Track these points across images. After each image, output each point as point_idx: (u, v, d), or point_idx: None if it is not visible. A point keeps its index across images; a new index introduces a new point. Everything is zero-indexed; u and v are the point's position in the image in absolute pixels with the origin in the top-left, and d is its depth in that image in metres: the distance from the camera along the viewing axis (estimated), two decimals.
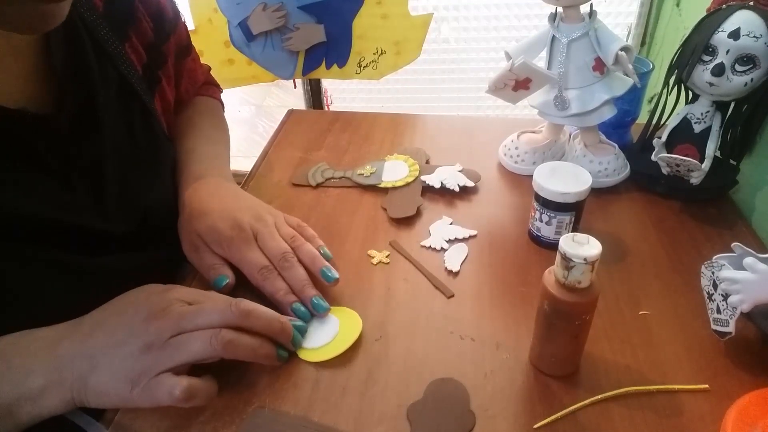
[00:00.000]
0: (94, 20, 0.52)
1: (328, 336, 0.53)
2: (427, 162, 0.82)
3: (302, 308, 0.53)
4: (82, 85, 0.51)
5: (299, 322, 0.52)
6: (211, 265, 0.55)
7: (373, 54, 0.89)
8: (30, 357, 0.42)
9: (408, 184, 0.75)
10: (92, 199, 0.52)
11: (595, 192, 0.70)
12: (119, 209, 0.54)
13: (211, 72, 0.81)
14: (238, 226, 0.56)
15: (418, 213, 0.71)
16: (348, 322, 0.54)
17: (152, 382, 0.41)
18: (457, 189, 0.74)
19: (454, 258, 0.63)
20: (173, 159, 0.65)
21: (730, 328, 0.49)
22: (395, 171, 0.78)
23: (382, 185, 0.75)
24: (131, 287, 0.48)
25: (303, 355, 0.52)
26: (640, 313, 0.57)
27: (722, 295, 0.51)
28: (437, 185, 0.74)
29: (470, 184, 0.75)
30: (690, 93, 0.72)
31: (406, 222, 0.70)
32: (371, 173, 0.77)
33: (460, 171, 0.77)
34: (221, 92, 0.81)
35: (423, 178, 0.76)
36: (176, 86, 0.68)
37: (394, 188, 0.75)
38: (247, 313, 0.46)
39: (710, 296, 0.53)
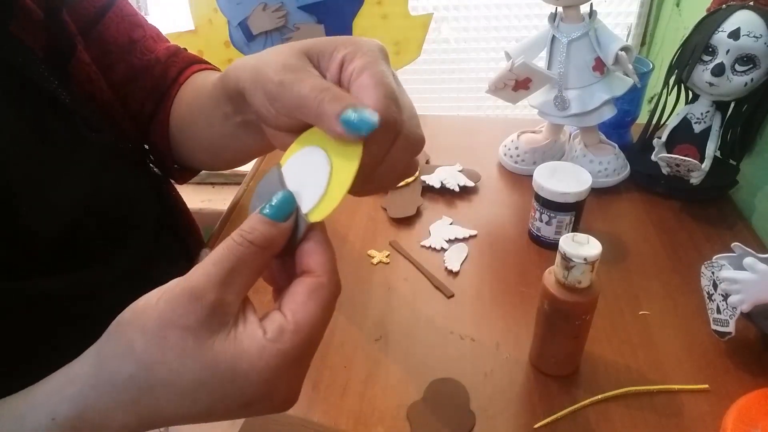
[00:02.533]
0: None
1: (321, 181, 0.34)
2: (427, 162, 0.82)
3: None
4: None
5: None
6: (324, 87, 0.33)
7: None
8: None
9: (408, 184, 0.75)
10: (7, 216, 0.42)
11: (595, 192, 0.70)
12: (36, 217, 0.44)
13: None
14: None
15: (418, 213, 0.71)
16: (336, 150, 0.33)
17: None
18: (457, 189, 0.74)
19: (454, 258, 0.63)
20: (113, 154, 0.53)
21: (730, 328, 0.49)
22: None
23: None
24: (68, 315, 0.41)
25: (313, 218, 0.33)
26: (640, 313, 0.57)
27: (722, 295, 0.51)
28: (437, 185, 0.74)
29: (470, 184, 0.75)
30: (690, 93, 0.72)
31: (406, 222, 0.70)
32: None
33: (460, 171, 0.77)
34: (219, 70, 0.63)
35: (423, 178, 0.76)
36: (110, 63, 0.55)
37: (394, 188, 0.75)
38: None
39: (710, 296, 0.53)
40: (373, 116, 0.30)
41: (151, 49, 0.58)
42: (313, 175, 0.33)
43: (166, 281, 0.32)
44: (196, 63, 0.61)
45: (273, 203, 0.31)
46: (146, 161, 0.59)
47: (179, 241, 0.64)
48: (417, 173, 0.77)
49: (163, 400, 0.29)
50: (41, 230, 0.43)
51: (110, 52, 0.54)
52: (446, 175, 0.75)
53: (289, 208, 0.32)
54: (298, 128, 0.36)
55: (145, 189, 0.57)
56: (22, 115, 0.44)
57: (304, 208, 0.33)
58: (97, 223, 0.48)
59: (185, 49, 0.62)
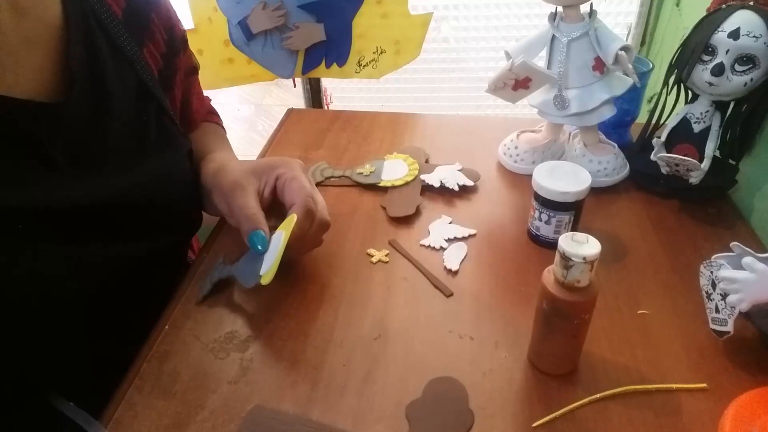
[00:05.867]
0: (113, 26, 0.55)
1: (275, 252, 0.53)
2: (427, 161, 0.82)
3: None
4: (96, 80, 0.53)
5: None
6: (252, 213, 0.56)
7: (373, 53, 0.89)
8: None
9: (407, 183, 0.75)
10: (95, 188, 0.52)
11: (595, 191, 0.71)
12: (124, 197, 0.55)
13: (210, 80, 0.83)
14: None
15: (418, 212, 0.71)
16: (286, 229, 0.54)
17: None
18: (456, 188, 0.74)
19: (454, 257, 0.63)
20: (192, 157, 0.67)
21: (729, 327, 0.49)
22: (395, 170, 0.78)
23: (382, 184, 0.75)
24: (135, 277, 0.53)
25: (264, 281, 0.53)
26: (639, 312, 0.57)
27: (721, 294, 0.51)
28: (437, 184, 0.74)
29: (470, 183, 0.75)
30: (689, 93, 0.72)
31: (406, 221, 0.70)
32: (371, 172, 0.78)
33: (459, 170, 0.77)
34: (222, 122, 0.84)
35: (422, 177, 0.76)
36: (186, 103, 0.70)
37: (394, 187, 0.75)
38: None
39: (709, 296, 0.53)
40: (263, 243, 0.55)
41: (206, 101, 0.79)
42: (273, 250, 0.54)
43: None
44: (210, 113, 0.81)
45: (260, 247, 0.54)
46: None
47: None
48: (417, 172, 0.77)
49: None
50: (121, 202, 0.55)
51: (191, 93, 0.71)
52: (446, 175, 0.75)
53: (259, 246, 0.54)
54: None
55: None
56: (139, 116, 0.57)
57: (262, 270, 0.54)
58: (160, 203, 0.60)
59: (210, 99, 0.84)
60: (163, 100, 0.61)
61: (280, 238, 0.53)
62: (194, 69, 0.72)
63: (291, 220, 0.54)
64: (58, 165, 0.49)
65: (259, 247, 0.54)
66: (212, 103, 0.81)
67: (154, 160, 0.58)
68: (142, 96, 0.58)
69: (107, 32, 0.54)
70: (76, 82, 0.50)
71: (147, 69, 0.59)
